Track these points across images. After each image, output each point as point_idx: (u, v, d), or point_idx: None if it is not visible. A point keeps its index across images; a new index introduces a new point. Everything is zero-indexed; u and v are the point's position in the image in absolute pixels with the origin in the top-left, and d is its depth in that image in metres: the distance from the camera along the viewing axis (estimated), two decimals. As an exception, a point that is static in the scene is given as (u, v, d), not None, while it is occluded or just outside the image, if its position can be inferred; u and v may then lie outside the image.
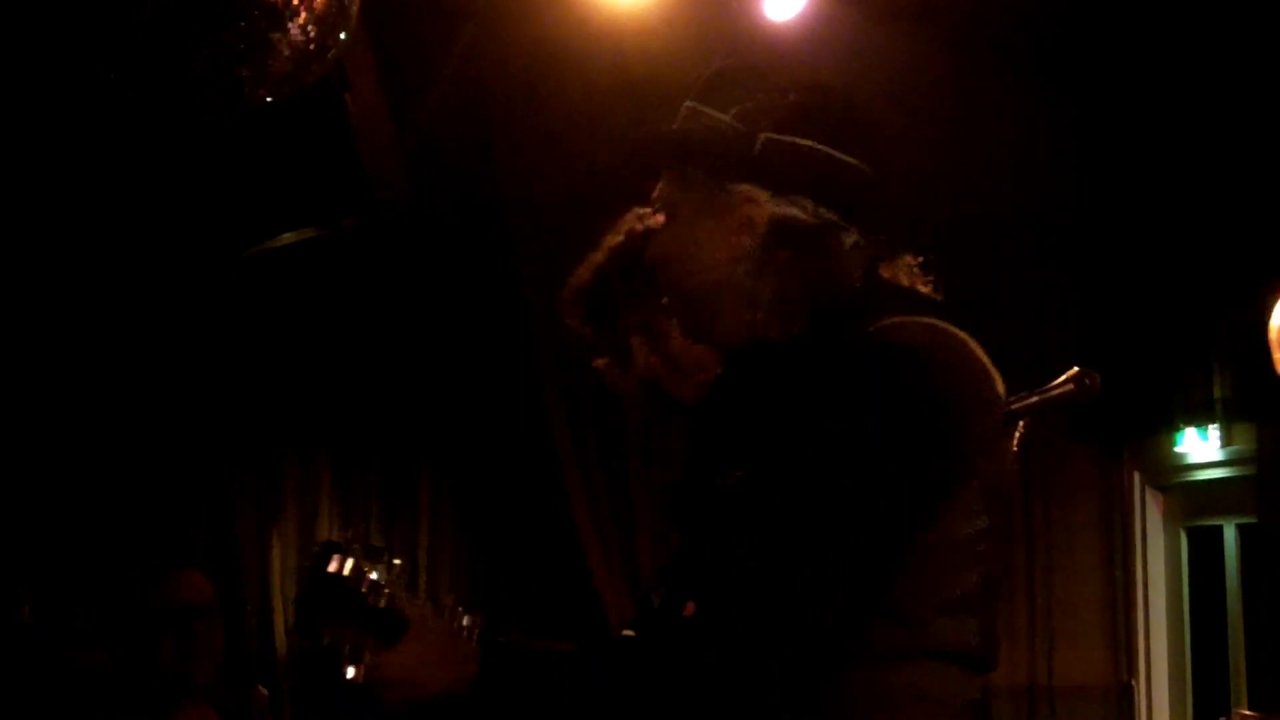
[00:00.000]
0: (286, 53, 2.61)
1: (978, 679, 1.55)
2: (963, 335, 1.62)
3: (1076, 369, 2.90)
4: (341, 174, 3.53)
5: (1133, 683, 4.53)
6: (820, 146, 1.62)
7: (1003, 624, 4.58)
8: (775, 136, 1.62)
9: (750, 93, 1.64)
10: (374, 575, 1.62)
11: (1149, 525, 4.64)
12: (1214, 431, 4.34)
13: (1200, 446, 4.40)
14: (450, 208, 5.09)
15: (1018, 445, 2.81)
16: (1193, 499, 4.60)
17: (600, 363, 2.30)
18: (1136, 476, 4.65)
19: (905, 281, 1.69)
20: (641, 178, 1.75)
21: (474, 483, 5.61)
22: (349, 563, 1.61)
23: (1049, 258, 4.65)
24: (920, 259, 1.72)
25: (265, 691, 4.16)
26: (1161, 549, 4.65)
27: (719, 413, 1.68)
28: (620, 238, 2.29)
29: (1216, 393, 4.24)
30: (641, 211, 2.33)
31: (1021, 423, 2.80)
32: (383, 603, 1.61)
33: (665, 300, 1.70)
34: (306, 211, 3.80)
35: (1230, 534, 4.47)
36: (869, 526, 1.45)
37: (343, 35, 2.67)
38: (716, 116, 1.64)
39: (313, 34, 2.59)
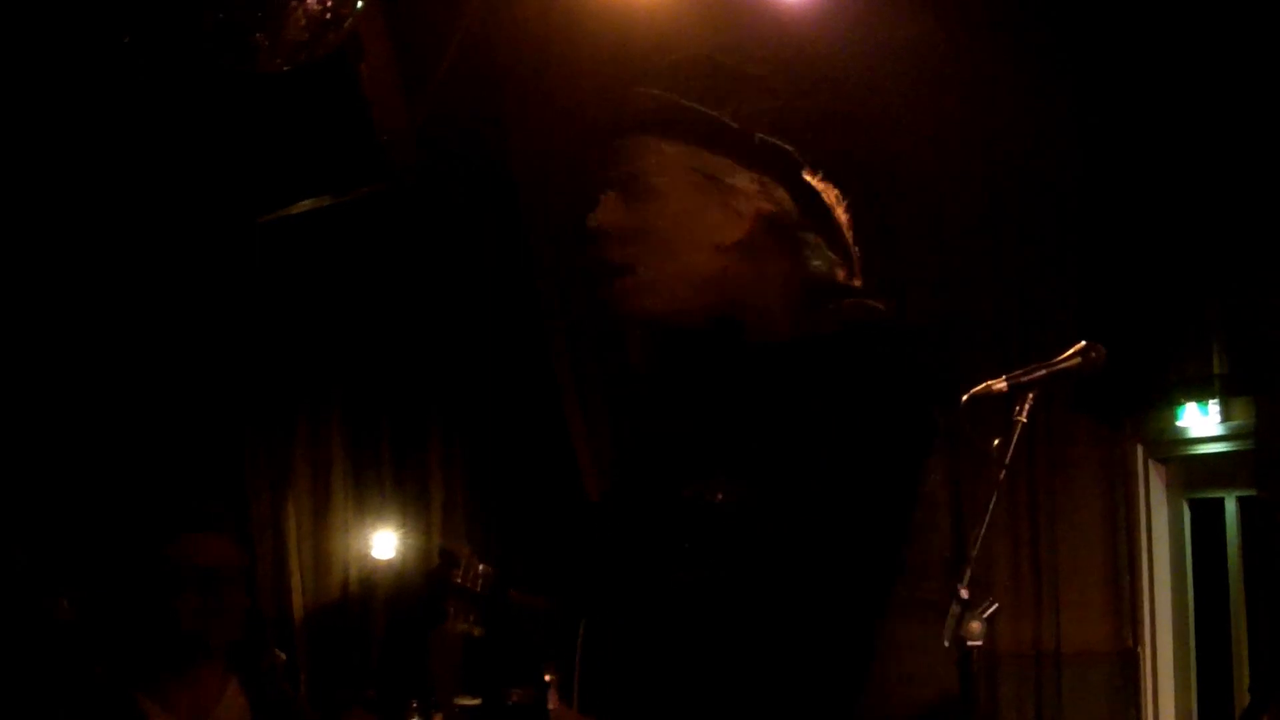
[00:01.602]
0: (302, 22, 2.63)
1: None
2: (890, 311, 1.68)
3: (1083, 343, 2.93)
4: (355, 142, 3.56)
5: (1138, 649, 4.57)
6: (790, 148, 1.70)
7: (1008, 590, 4.54)
8: (765, 136, 1.67)
9: (737, 92, 1.67)
10: (480, 569, 1.98)
11: (1152, 496, 4.67)
12: (1213, 406, 4.37)
13: (1200, 421, 4.43)
14: (460, 172, 5.12)
15: (1025, 417, 2.84)
16: (1194, 471, 4.63)
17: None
18: (1139, 449, 4.67)
19: (844, 280, 1.73)
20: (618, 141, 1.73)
21: (484, 440, 5.66)
22: (464, 568, 1.99)
23: (1050, 232, 4.67)
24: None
25: (283, 655, 4.21)
26: (1165, 519, 4.67)
27: (693, 417, 1.66)
28: None
29: (1215, 368, 4.26)
30: None
31: (1030, 395, 2.83)
32: (486, 590, 1.98)
33: (636, 271, 1.68)
34: (322, 179, 3.83)
35: (1231, 506, 4.50)
36: (886, 510, 1.51)
37: (358, 4, 2.68)
38: (709, 111, 1.66)
39: (329, 3, 2.60)
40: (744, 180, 1.66)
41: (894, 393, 1.54)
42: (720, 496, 1.53)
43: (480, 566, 2.02)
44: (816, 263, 1.69)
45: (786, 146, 1.69)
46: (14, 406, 4.28)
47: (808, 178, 1.74)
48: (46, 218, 4.01)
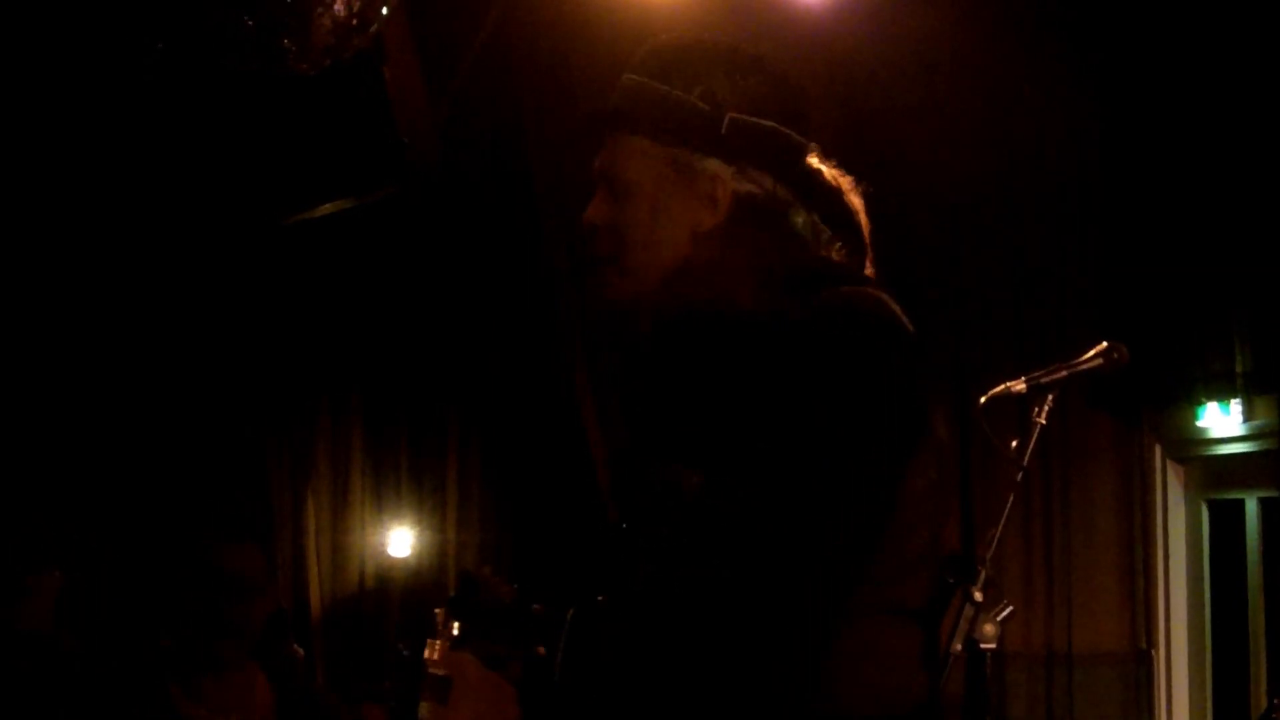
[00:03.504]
0: (329, 26, 2.66)
1: (922, 633, 1.58)
2: (890, 301, 1.62)
3: (1105, 343, 2.93)
4: (378, 144, 3.59)
5: (1152, 651, 4.56)
6: (780, 128, 1.66)
7: (1020, 589, 4.50)
8: (740, 116, 1.64)
9: (711, 73, 1.65)
10: (503, 588, 1.92)
11: (1170, 497, 4.65)
12: (1235, 405, 4.35)
13: (1222, 420, 4.40)
14: (480, 173, 5.15)
15: (1046, 418, 2.85)
16: (1214, 472, 4.61)
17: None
18: (1158, 449, 4.65)
19: (839, 259, 1.71)
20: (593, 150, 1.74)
21: (500, 438, 5.70)
22: (485, 590, 1.92)
23: (1072, 230, 4.67)
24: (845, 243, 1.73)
25: (301, 651, 4.25)
26: (1183, 521, 4.65)
27: (667, 399, 1.64)
28: None
29: (1238, 367, 4.22)
30: None
31: (1050, 395, 2.84)
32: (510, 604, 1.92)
33: (619, 262, 1.69)
34: (345, 182, 3.86)
35: (1252, 507, 4.48)
36: (851, 503, 1.47)
37: (384, 10, 2.71)
38: (676, 94, 1.65)
39: (355, 8, 2.64)
40: (714, 165, 1.64)
41: (866, 385, 1.49)
42: (688, 486, 1.52)
43: (503, 584, 2.00)
44: (806, 246, 1.67)
45: (769, 124, 1.65)
46: (41, 403, 4.32)
47: (813, 160, 1.70)
48: (75, 221, 4.06)
